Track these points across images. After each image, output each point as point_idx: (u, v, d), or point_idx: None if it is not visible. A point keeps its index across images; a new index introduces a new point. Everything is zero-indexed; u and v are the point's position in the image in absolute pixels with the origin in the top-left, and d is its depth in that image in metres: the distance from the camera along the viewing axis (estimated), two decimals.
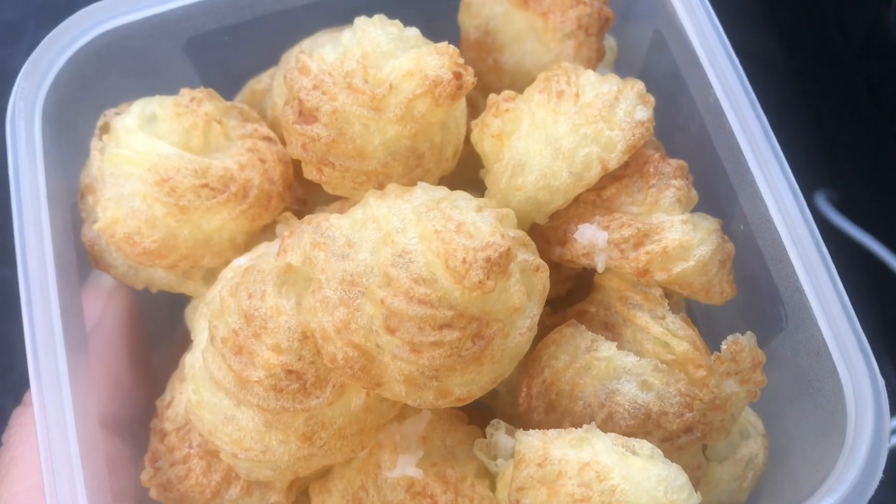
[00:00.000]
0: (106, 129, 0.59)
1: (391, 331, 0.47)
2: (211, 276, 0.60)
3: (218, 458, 0.54)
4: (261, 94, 0.67)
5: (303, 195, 0.62)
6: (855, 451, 0.48)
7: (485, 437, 0.55)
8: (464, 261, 0.47)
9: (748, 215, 0.57)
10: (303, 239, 0.51)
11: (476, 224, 0.49)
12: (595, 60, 0.63)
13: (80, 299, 0.57)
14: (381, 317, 0.47)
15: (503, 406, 0.62)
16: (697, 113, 0.59)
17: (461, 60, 0.53)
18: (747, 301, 0.59)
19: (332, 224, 0.51)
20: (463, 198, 0.51)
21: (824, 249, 0.52)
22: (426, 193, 0.51)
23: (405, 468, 0.53)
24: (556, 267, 0.62)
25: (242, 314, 0.50)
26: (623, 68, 0.68)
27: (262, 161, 0.57)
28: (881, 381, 0.49)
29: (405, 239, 0.48)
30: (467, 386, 0.50)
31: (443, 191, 0.52)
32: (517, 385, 0.59)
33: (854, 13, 0.94)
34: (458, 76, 0.52)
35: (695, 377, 0.53)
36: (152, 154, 0.55)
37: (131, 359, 0.64)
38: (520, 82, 0.65)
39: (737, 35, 1.08)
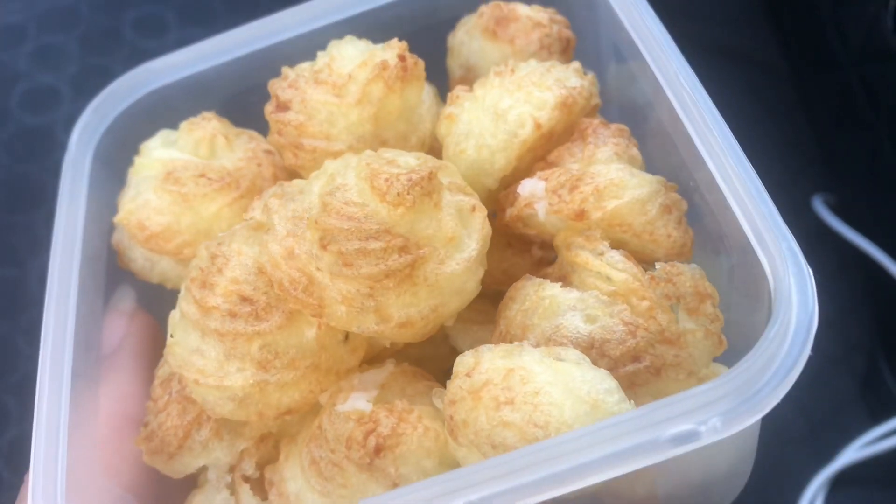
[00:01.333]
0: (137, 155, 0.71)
1: (324, 247, 0.53)
2: None
3: (192, 402, 0.59)
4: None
5: None
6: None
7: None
8: (386, 180, 0.52)
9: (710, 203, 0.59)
10: (266, 195, 0.59)
11: (406, 160, 0.55)
12: None
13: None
14: (317, 238, 0.53)
15: None
16: (661, 124, 0.63)
17: (407, 50, 0.62)
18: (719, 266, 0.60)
19: (293, 182, 0.59)
20: (402, 152, 0.58)
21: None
22: (372, 152, 0.58)
23: (355, 402, 0.55)
24: (527, 250, 0.66)
25: (210, 255, 0.57)
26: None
27: (259, 164, 0.67)
28: (809, 271, 0.48)
29: (344, 178, 0.55)
30: (405, 308, 0.54)
31: (389, 152, 0.59)
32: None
33: (851, 18, 0.95)
34: (402, 59, 0.61)
35: (639, 309, 0.54)
36: (166, 159, 0.66)
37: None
38: None
39: (736, 40, 1.13)
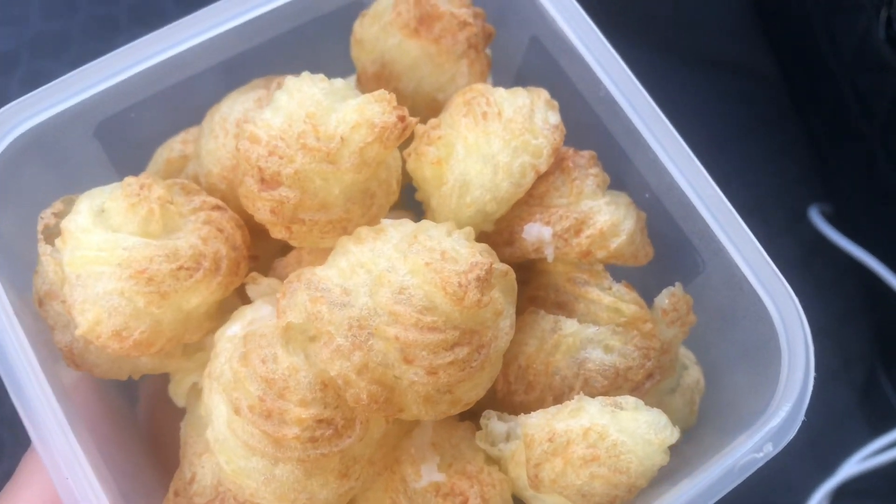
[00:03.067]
0: (49, 231, 0.59)
1: (409, 361, 0.52)
2: (188, 349, 0.62)
3: None
4: (176, 161, 0.68)
5: (254, 252, 0.64)
6: (793, 366, 0.59)
7: (479, 428, 0.62)
8: (460, 284, 0.53)
9: (652, 185, 0.66)
10: (298, 297, 0.54)
11: (455, 249, 0.55)
12: (486, 72, 0.70)
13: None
14: (397, 351, 0.52)
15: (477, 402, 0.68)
16: (588, 106, 0.67)
17: (396, 103, 0.58)
18: (662, 255, 0.69)
19: (321, 277, 0.55)
20: (431, 227, 0.57)
21: (728, 204, 0.62)
22: (397, 231, 0.56)
23: (430, 476, 0.59)
24: None
25: (262, 380, 0.53)
26: (499, 73, 0.75)
27: (221, 231, 0.59)
28: (797, 302, 0.60)
29: (399, 277, 0.53)
30: (474, 391, 0.57)
31: (408, 225, 0.57)
32: None
33: (844, 28, 0.94)
34: (401, 119, 0.57)
35: (645, 332, 0.63)
36: (117, 249, 0.55)
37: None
38: (419, 105, 0.70)
39: (730, 51, 1.11)
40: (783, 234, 1.04)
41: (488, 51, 0.74)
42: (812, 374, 0.59)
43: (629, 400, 0.59)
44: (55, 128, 0.61)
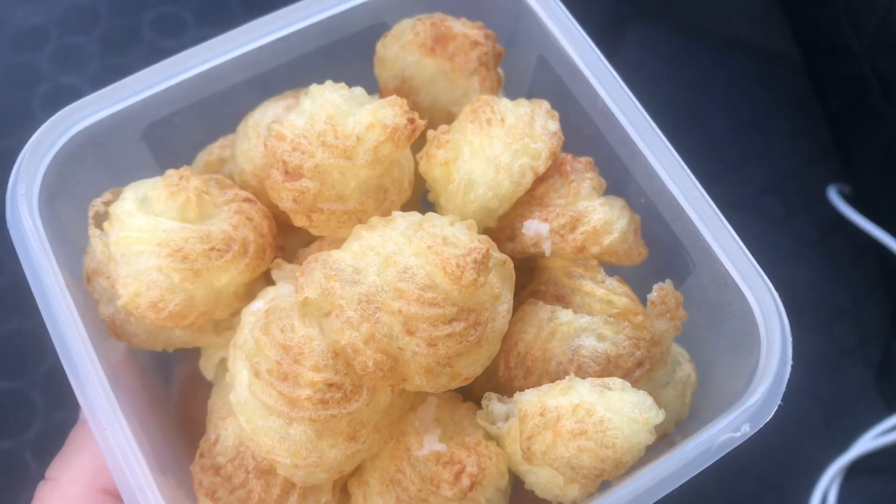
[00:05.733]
0: (100, 216, 0.66)
1: (411, 332, 0.58)
2: (219, 326, 0.68)
3: (273, 475, 0.63)
4: (215, 164, 0.76)
5: (281, 242, 0.71)
6: (771, 353, 0.63)
7: (481, 408, 0.67)
8: (458, 265, 0.58)
9: (646, 189, 0.71)
10: (314, 275, 0.61)
11: (456, 235, 0.61)
12: (496, 88, 0.77)
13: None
14: (400, 323, 0.58)
15: (480, 385, 0.74)
16: (588, 116, 0.74)
17: (408, 108, 0.65)
18: (656, 257, 0.74)
19: (336, 258, 0.61)
20: (435, 217, 0.63)
21: (713, 205, 0.67)
22: (405, 219, 0.63)
23: (431, 445, 0.64)
24: None
25: (280, 347, 0.59)
26: (511, 91, 0.82)
27: (251, 220, 0.66)
28: (776, 295, 0.65)
29: (404, 258, 0.59)
30: (472, 366, 0.62)
31: (415, 216, 0.64)
32: (491, 366, 0.72)
33: (864, 8, 0.94)
34: (411, 121, 0.64)
35: (636, 323, 0.68)
36: (157, 231, 0.63)
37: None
38: (436, 117, 0.77)
39: (751, 32, 1.14)
40: (802, 214, 1.06)
41: (501, 70, 0.81)
42: (789, 359, 0.63)
43: (616, 381, 0.63)
44: (108, 129, 0.69)
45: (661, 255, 0.73)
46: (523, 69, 0.80)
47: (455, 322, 0.59)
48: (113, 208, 0.65)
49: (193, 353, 0.76)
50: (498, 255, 0.64)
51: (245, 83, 0.75)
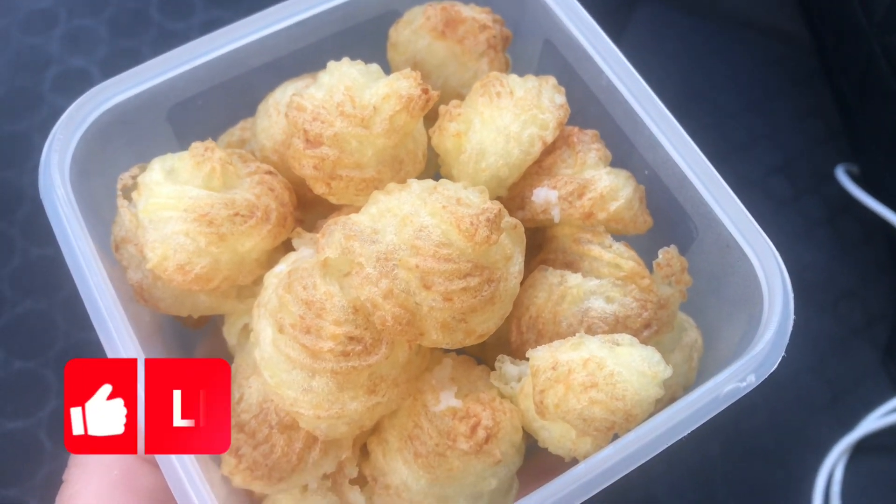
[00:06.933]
0: (127, 189, 0.69)
1: (427, 287, 0.61)
2: (242, 292, 0.71)
3: (295, 430, 0.65)
4: (236, 144, 0.79)
5: (300, 215, 0.74)
6: (772, 306, 0.66)
7: (494, 370, 0.70)
8: (471, 223, 0.61)
9: (650, 161, 0.74)
10: (334, 236, 0.64)
11: (469, 197, 0.64)
12: (505, 71, 0.80)
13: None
14: (417, 279, 0.61)
15: (493, 350, 0.76)
16: (592, 95, 0.77)
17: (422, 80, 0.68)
18: (661, 227, 0.77)
19: (355, 221, 0.64)
20: (448, 183, 0.66)
21: (714, 171, 0.70)
22: (420, 185, 0.66)
23: (448, 401, 0.66)
24: None
25: (303, 303, 0.62)
26: (519, 74, 0.85)
27: (272, 190, 0.69)
28: (776, 252, 0.67)
29: (420, 218, 0.62)
30: (485, 323, 0.65)
31: (430, 182, 0.67)
32: (503, 332, 0.74)
33: None
34: (425, 91, 0.67)
35: (642, 286, 0.70)
36: (184, 197, 0.66)
37: None
38: (447, 99, 0.80)
39: (760, 12, 1.16)
40: (810, 194, 1.07)
41: (508, 55, 0.84)
42: (791, 312, 0.65)
43: (625, 337, 0.66)
44: (134, 109, 0.72)
45: (666, 225, 0.76)
46: (530, 54, 0.84)
47: (469, 277, 0.62)
48: (141, 178, 0.68)
49: (214, 332, 0.79)
50: (510, 218, 0.66)
51: (263, 68, 0.78)
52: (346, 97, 0.67)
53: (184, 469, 0.60)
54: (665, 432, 0.63)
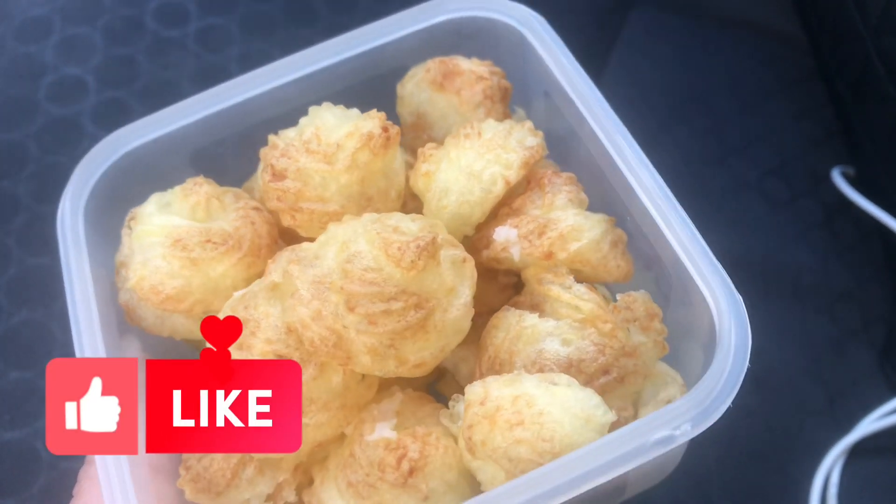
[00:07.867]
0: (133, 220, 0.77)
1: (351, 309, 0.62)
2: None
3: None
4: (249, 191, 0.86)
5: (283, 247, 0.78)
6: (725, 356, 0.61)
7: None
8: (399, 248, 0.63)
9: (631, 209, 0.72)
10: (281, 262, 0.67)
11: (408, 226, 0.65)
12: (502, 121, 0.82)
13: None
14: (343, 301, 0.63)
15: (453, 391, 0.75)
16: (585, 147, 0.76)
17: (387, 120, 0.71)
18: (649, 278, 0.73)
19: (303, 247, 0.67)
20: (399, 214, 0.68)
21: (682, 212, 0.67)
22: (371, 216, 0.68)
23: (382, 432, 0.66)
24: (494, 278, 0.78)
25: (241, 321, 0.65)
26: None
27: (253, 223, 0.75)
28: (740, 299, 0.63)
29: (356, 245, 0.64)
30: (420, 353, 0.64)
31: (383, 214, 0.69)
32: (472, 373, 0.73)
33: None
34: (385, 130, 0.70)
35: (603, 330, 0.67)
36: (168, 226, 0.72)
37: None
38: None
39: (755, 12, 1.15)
40: (805, 196, 1.05)
41: (520, 109, 0.86)
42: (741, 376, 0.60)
43: (563, 377, 0.63)
44: (155, 152, 0.81)
45: (653, 275, 0.73)
46: (536, 105, 0.85)
47: (393, 301, 0.62)
48: (138, 209, 0.75)
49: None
50: (458, 252, 0.67)
51: (284, 116, 0.85)
52: (313, 136, 0.71)
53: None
54: (588, 472, 0.59)
